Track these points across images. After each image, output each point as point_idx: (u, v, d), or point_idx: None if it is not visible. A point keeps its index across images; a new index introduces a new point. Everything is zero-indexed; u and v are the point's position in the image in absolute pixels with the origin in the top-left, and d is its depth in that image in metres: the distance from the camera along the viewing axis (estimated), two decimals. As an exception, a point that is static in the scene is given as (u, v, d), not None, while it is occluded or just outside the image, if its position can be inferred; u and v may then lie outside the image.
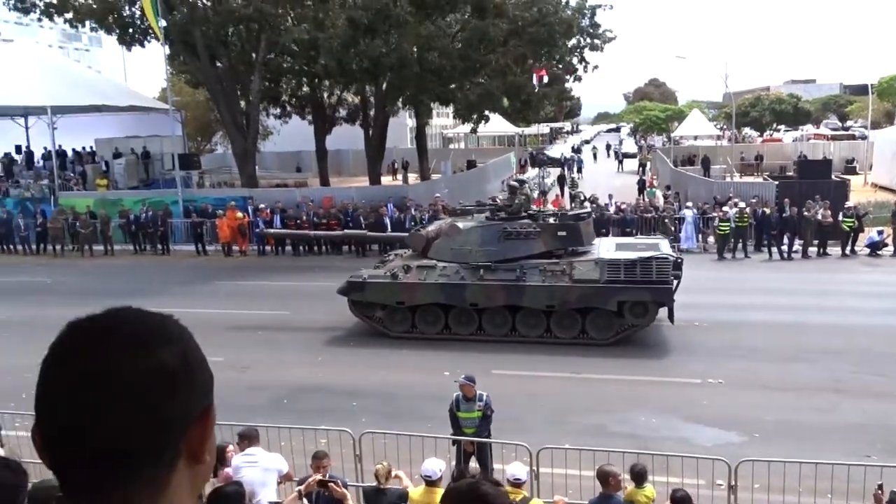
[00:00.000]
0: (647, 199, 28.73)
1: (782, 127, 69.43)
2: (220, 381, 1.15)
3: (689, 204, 25.29)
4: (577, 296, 14.21)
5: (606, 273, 14.05)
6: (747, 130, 69.64)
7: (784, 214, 22.56)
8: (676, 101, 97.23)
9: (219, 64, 30.44)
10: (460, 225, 15.52)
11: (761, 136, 66.83)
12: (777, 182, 27.41)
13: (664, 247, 15.05)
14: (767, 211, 23.00)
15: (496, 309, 14.79)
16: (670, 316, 14.29)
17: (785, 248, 22.44)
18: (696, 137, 52.39)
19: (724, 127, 61.38)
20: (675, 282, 14.51)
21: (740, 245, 22.88)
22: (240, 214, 25.60)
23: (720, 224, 22.71)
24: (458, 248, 15.10)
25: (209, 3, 29.74)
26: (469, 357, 13.37)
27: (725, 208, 23.51)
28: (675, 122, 62.42)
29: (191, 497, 1.07)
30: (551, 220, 15.48)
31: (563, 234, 14.94)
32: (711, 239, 23.80)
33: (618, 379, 12.73)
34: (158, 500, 1.02)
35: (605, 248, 15.32)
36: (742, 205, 23.12)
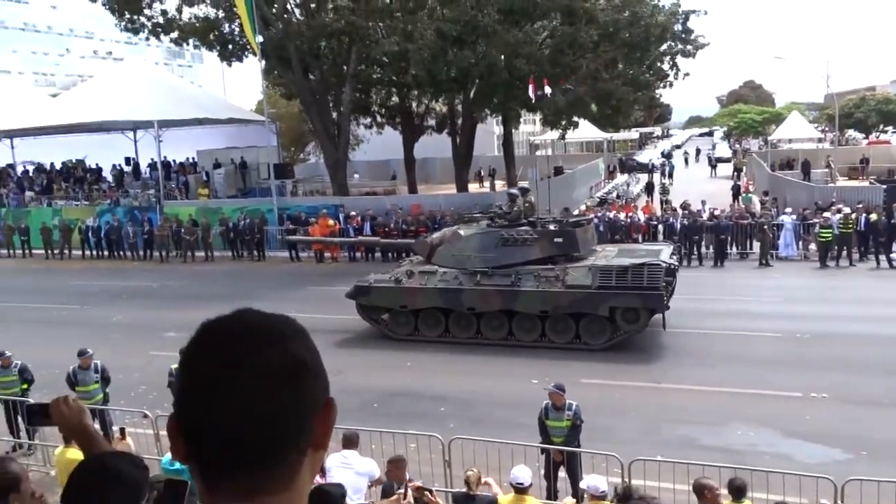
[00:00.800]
0: (742, 205, 27.74)
1: (889, 128, 65.65)
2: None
3: (788, 210, 24.22)
4: (570, 301, 14.40)
5: (598, 279, 14.19)
6: (851, 132, 66.20)
7: (893, 220, 21.37)
8: (774, 104, 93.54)
9: (311, 76, 31.41)
10: (462, 232, 15.93)
11: (866, 138, 63.43)
12: (885, 186, 25.95)
13: (664, 254, 15.18)
14: (874, 217, 21.81)
15: (493, 313, 15.08)
16: (663, 323, 14.34)
17: (894, 255, 21.24)
18: (790, 141, 50.04)
19: (826, 129, 58.56)
20: (669, 289, 14.59)
21: (844, 253, 21.80)
22: (331, 222, 26.31)
23: (821, 231, 21.70)
24: (459, 254, 15.55)
25: (303, 19, 30.76)
26: (558, 365, 13.30)
27: (827, 214, 22.42)
28: (772, 125, 59.97)
29: (311, 481, 1.14)
30: (550, 227, 15.68)
31: (560, 240, 15.13)
32: (812, 246, 22.76)
33: (714, 391, 12.32)
34: (290, 485, 1.10)
35: (605, 254, 15.58)
36: (847, 210, 22.01)
